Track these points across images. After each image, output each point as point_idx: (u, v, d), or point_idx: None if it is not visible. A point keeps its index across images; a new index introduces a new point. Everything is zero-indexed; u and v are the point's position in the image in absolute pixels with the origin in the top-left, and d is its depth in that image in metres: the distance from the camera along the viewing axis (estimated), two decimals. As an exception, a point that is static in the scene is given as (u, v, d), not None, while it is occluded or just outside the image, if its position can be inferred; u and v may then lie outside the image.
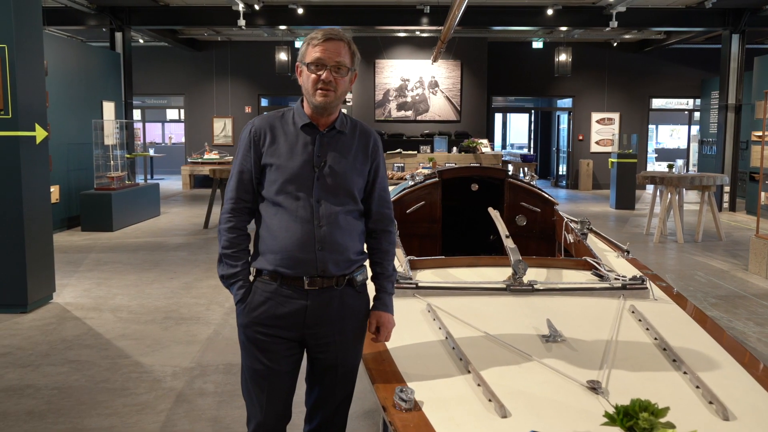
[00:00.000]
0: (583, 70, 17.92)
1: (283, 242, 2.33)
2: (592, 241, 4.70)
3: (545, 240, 5.33)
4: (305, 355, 2.50)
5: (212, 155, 17.76)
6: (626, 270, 3.87)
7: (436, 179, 5.34)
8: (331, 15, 13.71)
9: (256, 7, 13.03)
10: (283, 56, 15.47)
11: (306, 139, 2.37)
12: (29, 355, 4.78)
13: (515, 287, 3.29)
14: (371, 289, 2.55)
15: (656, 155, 23.07)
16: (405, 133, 16.60)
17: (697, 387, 2.19)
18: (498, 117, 22.52)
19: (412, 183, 5.48)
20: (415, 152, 14.34)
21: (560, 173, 19.63)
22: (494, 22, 13.98)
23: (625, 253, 4.38)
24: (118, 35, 13.37)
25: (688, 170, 19.05)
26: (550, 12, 13.13)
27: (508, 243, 3.65)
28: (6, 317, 5.67)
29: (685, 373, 2.32)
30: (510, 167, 16.44)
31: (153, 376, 4.39)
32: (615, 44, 17.62)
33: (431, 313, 2.98)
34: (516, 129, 25.23)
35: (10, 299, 5.77)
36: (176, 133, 24.03)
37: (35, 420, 3.75)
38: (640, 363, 2.43)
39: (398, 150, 14.39)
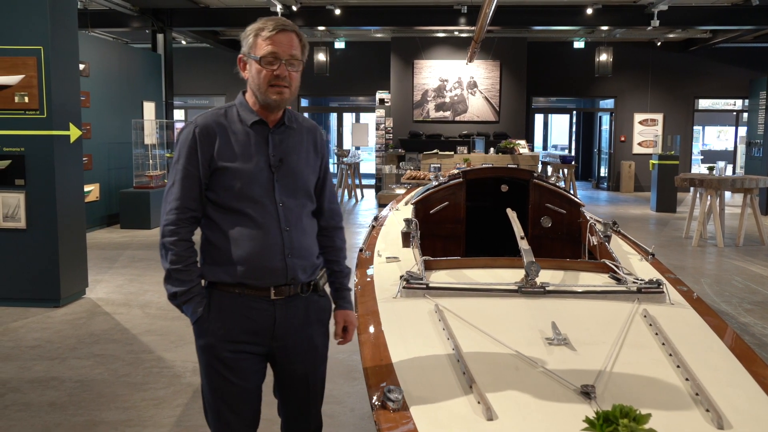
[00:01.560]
0: (626, 70, 17.59)
1: (247, 251, 2.15)
2: (617, 244, 4.61)
3: (571, 242, 5.26)
4: (270, 368, 2.38)
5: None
6: (647, 273, 3.78)
7: (460, 179, 5.31)
8: (369, 15, 13.75)
9: (294, 8, 13.14)
10: (321, 57, 15.57)
11: (258, 138, 2.20)
12: (57, 348, 4.91)
13: (526, 289, 3.24)
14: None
15: (702, 157, 22.53)
16: (443, 133, 16.54)
17: (697, 394, 2.13)
18: (539, 118, 22.27)
19: (436, 183, 5.46)
20: (452, 153, 14.26)
21: (601, 175, 19.32)
22: (533, 22, 13.83)
23: (650, 256, 4.28)
24: (160, 37, 13.63)
25: (734, 173, 18.55)
26: (589, 11, 12.93)
27: (523, 244, 3.61)
28: (39, 311, 5.83)
29: (687, 379, 2.26)
30: (549, 169, 16.25)
31: (173, 372, 4.46)
32: (659, 44, 17.25)
33: (438, 314, 2.96)
34: (558, 130, 24.92)
35: (44, 294, 5.93)
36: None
37: (56, 411, 3.84)
38: (642, 368, 2.37)
39: (435, 150, 14.32)
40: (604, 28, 14.36)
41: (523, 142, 14.45)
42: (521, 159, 13.83)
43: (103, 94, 10.59)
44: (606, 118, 19.03)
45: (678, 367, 2.37)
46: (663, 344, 2.60)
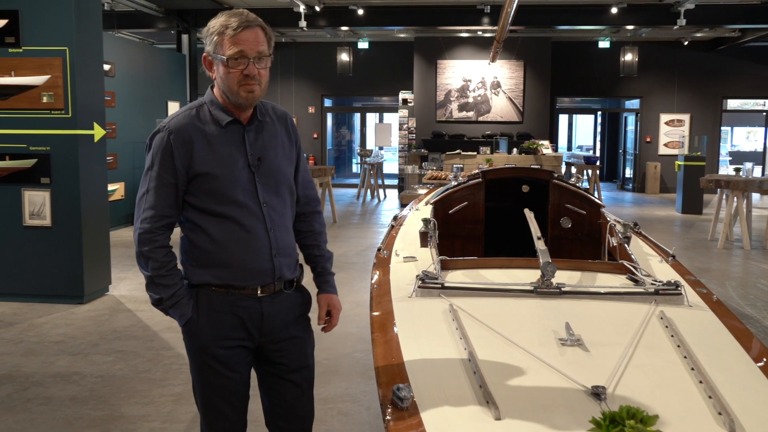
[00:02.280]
0: (652, 70, 17.40)
1: (234, 254, 2.15)
2: (637, 245, 4.56)
3: (591, 243, 5.22)
4: (260, 368, 2.40)
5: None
6: (666, 275, 3.74)
7: (480, 180, 5.30)
8: (392, 15, 13.77)
9: (317, 8, 13.20)
10: (344, 57, 15.61)
11: (233, 138, 2.17)
12: (80, 344, 4.99)
13: (542, 289, 3.23)
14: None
15: (730, 158, 22.20)
16: (466, 134, 16.50)
17: (710, 397, 2.11)
18: (563, 118, 22.11)
19: (455, 183, 5.45)
20: (475, 153, 14.22)
21: (627, 176, 19.13)
22: (557, 22, 13.75)
23: (670, 258, 4.23)
24: (185, 37, 13.77)
25: (764, 174, 18.26)
26: (614, 10, 12.82)
27: (539, 245, 3.59)
28: (64, 307, 5.93)
29: (701, 382, 2.23)
30: (573, 170, 16.13)
31: (192, 368, 4.50)
32: (686, 43, 17.04)
33: (452, 314, 2.96)
34: (583, 131, 24.73)
35: (68, 291, 6.03)
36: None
37: (77, 405, 3.90)
38: (655, 370, 2.35)
39: (457, 151, 14.30)
40: (630, 27, 14.23)
41: (546, 143, 14.38)
42: (544, 159, 13.76)
43: (128, 94, 10.72)
44: (631, 119, 18.84)
45: (692, 369, 2.34)
46: (678, 346, 2.57)
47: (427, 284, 3.26)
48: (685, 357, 2.46)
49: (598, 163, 16.06)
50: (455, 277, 3.57)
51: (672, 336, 2.69)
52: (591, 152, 21.27)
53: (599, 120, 21.57)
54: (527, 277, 3.55)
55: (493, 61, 15.01)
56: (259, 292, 2.22)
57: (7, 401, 3.97)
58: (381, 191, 16.42)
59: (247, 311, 2.22)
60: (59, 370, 4.46)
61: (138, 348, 4.91)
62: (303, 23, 12.93)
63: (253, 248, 2.17)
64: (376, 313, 2.91)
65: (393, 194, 16.77)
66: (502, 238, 5.66)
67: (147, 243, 2.13)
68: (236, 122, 2.19)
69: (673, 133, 17.70)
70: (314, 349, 2.50)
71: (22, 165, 5.91)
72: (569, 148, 22.13)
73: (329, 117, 20.10)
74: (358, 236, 10.08)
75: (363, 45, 17.08)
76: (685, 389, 2.19)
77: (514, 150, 14.33)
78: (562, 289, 3.23)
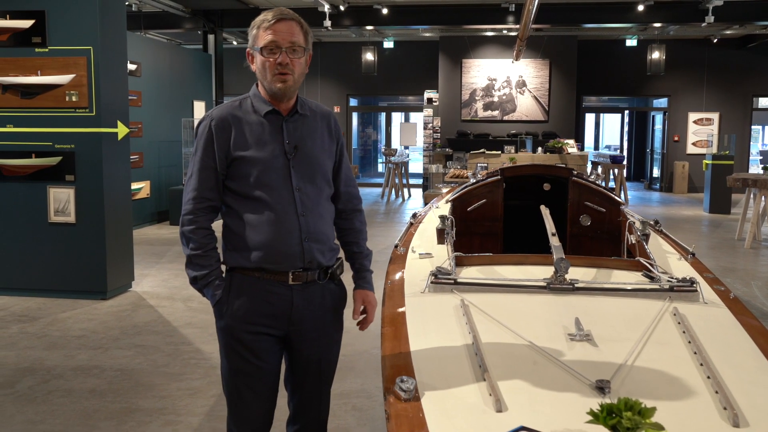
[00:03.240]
0: (680, 68, 17.16)
1: (266, 236, 2.22)
2: (657, 243, 4.51)
3: (611, 241, 5.17)
4: (285, 354, 2.43)
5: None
6: (684, 272, 3.69)
7: (498, 177, 5.28)
8: (416, 14, 13.75)
9: (341, 8, 13.23)
10: (369, 56, 15.64)
11: (272, 127, 2.26)
12: (101, 339, 5.07)
13: (555, 285, 3.21)
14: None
15: (761, 157, 21.81)
16: (491, 133, 16.42)
17: (717, 392, 2.08)
18: (590, 117, 21.89)
19: (474, 181, 5.44)
20: (499, 152, 14.14)
21: (654, 175, 18.90)
22: (583, 20, 13.62)
23: (689, 256, 4.18)
24: (210, 37, 13.90)
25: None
26: (641, 8, 12.66)
27: (554, 241, 3.57)
28: (87, 303, 6.03)
29: (708, 377, 2.21)
30: (599, 168, 15.98)
31: (210, 363, 4.55)
32: (715, 40, 16.77)
33: (463, 309, 2.96)
34: (611, 130, 24.47)
35: (92, 286, 6.13)
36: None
37: (95, 398, 3.97)
38: (663, 365, 2.33)
39: (482, 150, 14.24)
40: (657, 25, 14.05)
41: (571, 142, 14.25)
42: (569, 159, 13.64)
43: (154, 94, 10.86)
44: (659, 118, 18.60)
45: (701, 365, 2.32)
46: (689, 342, 2.54)
47: (440, 280, 3.26)
48: (695, 353, 2.43)
49: (624, 162, 15.89)
50: (469, 274, 3.55)
51: (684, 332, 2.65)
52: (618, 151, 21.03)
53: (627, 119, 21.32)
54: (542, 273, 3.53)
55: (516, 60, 14.94)
56: (290, 279, 2.26)
57: (29, 393, 4.05)
58: (406, 190, 16.43)
59: (277, 297, 2.26)
60: (80, 364, 4.54)
61: (158, 343, 4.97)
62: (327, 23, 12.98)
63: (282, 231, 2.23)
64: (388, 308, 2.92)
65: (418, 193, 16.77)
66: (523, 235, 5.63)
67: (189, 224, 2.25)
68: (276, 113, 2.28)
69: (701, 132, 17.44)
70: (340, 347, 2.53)
71: (47, 163, 6.02)
72: (596, 147, 21.91)
73: (354, 116, 20.15)
74: (380, 234, 10.09)
75: (388, 44, 17.08)
76: (692, 384, 2.16)
77: (539, 149, 14.23)
78: (576, 285, 3.20)
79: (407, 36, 17.50)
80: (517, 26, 13.80)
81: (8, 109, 6.07)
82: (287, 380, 2.49)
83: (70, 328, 5.33)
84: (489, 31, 16.22)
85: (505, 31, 16.16)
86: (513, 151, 14.40)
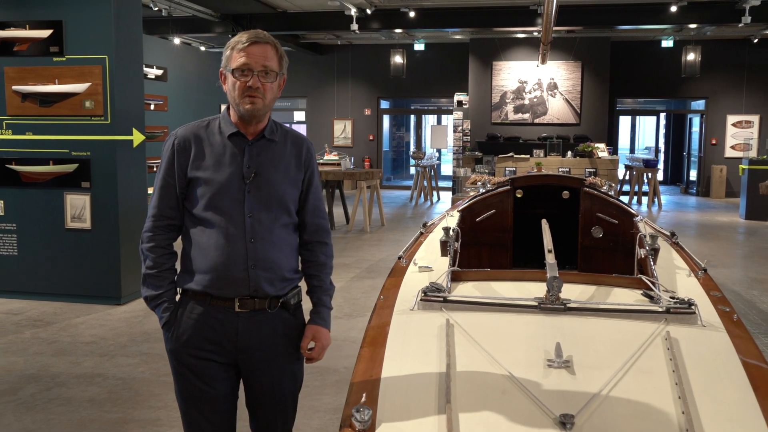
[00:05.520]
0: (718, 69, 16.71)
1: (212, 261, 2.18)
2: (669, 257, 4.37)
3: (625, 254, 5.04)
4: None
5: (332, 156, 18.20)
6: (689, 290, 3.56)
7: (508, 187, 5.19)
8: (444, 17, 13.67)
9: (368, 11, 13.21)
10: (398, 59, 15.59)
11: (234, 150, 2.22)
12: (109, 345, 5.12)
13: (546, 305, 3.12)
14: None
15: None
16: (522, 136, 16.22)
17: (687, 430, 1.99)
18: (625, 120, 21.47)
19: (483, 191, 5.37)
20: (528, 156, 13.97)
21: (691, 179, 18.47)
22: (616, 21, 13.38)
23: (700, 272, 4.03)
24: (240, 41, 13.99)
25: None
26: (674, 9, 12.36)
27: (549, 258, 3.47)
28: (101, 308, 6.11)
29: (683, 412, 2.11)
30: (631, 172, 15.67)
31: (211, 373, 4.55)
32: (755, 40, 16.28)
33: (446, 329, 2.89)
34: (649, 132, 24.00)
35: (106, 292, 6.21)
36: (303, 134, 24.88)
37: (93, 407, 4.00)
38: (639, 397, 2.23)
39: (510, 154, 14.08)
40: (693, 26, 13.71)
41: (602, 146, 14.00)
42: (600, 163, 13.42)
43: (180, 99, 10.98)
44: (696, 120, 18.17)
45: (679, 398, 2.22)
46: (673, 371, 2.44)
47: (429, 297, 3.20)
48: (676, 383, 2.33)
49: (658, 166, 15.54)
50: (464, 290, 3.48)
51: (671, 359, 2.55)
52: (653, 155, 20.61)
53: (663, 121, 20.88)
54: (538, 291, 3.44)
55: (542, 63, 14.69)
56: (237, 306, 2.21)
57: (30, 400, 4.11)
58: (435, 193, 16.34)
59: (221, 324, 2.23)
60: (84, 371, 4.59)
61: (163, 351, 4.95)
62: (354, 26, 12.97)
63: (229, 256, 2.19)
64: (372, 326, 2.87)
65: (447, 196, 16.66)
66: (537, 245, 5.53)
67: (147, 241, 2.26)
68: (240, 135, 2.25)
69: (740, 135, 16.98)
70: (300, 377, 2.45)
71: (64, 170, 6.12)
72: (632, 150, 21.48)
73: (385, 119, 20.12)
74: (402, 239, 10.04)
75: (419, 46, 17.00)
76: (662, 421, 2.07)
77: (569, 153, 14.01)
78: (568, 305, 3.11)
79: (438, 38, 17.40)
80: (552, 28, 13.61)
81: (27, 117, 6.18)
82: (247, 404, 2.43)
83: (81, 333, 5.40)
84: (519, 33, 16.05)
85: (535, 33, 15.96)
86: (542, 154, 14.21)
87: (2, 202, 6.33)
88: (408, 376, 2.44)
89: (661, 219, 13.16)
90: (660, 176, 18.93)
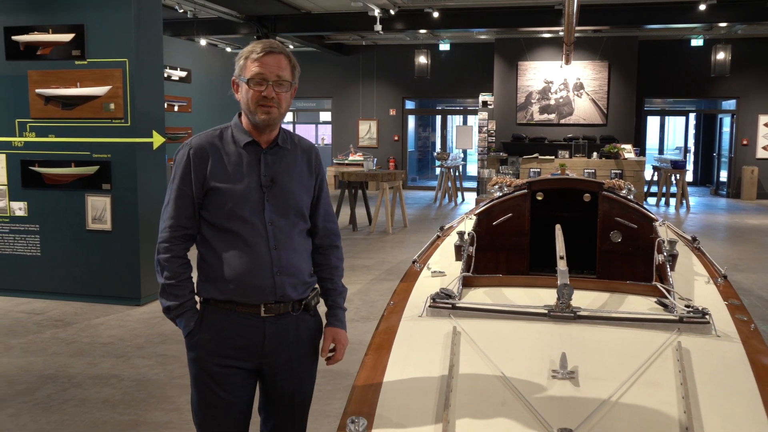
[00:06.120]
0: (750, 68, 16.38)
1: (237, 269, 2.21)
2: (688, 263, 4.29)
3: (644, 259, 4.96)
4: (258, 384, 2.42)
5: (357, 157, 18.23)
6: (706, 298, 3.48)
7: (525, 191, 5.14)
8: (468, 17, 13.59)
9: (392, 12, 13.19)
10: (422, 59, 15.56)
11: (250, 158, 2.25)
12: (126, 346, 5.17)
13: (556, 313, 3.07)
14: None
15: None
16: (547, 136, 16.08)
17: (689, 446, 1.94)
18: (654, 120, 21.14)
19: (500, 194, 5.32)
20: (553, 157, 13.84)
21: (721, 180, 18.14)
22: (643, 20, 13.21)
23: (719, 279, 3.94)
24: (264, 42, 14.07)
25: None
26: (703, 7, 12.15)
27: (560, 265, 3.42)
28: (121, 308, 6.17)
29: (687, 429, 2.05)
30: (660, 173, 15.43)
31: (225, 376, 4.57)
32: (789, 39, 15.97)
33: (453, 337, 2.86)
34: (679, 132, 23.62)
35: (126, 292, 6.27)
36: (328, 135, 24.94)
37: (107, 409, 4.04)
38: (642, 410, 2.18)
39: (535, 155, 13.95)
40: (722, 24, 13.46)
41: (628, 147, 13.81)
42: (626, 164, 13.24)
43: (205, 100, 11.07)
44: (727, 120, 17.84)
45: (684, 412, 2.16)
46: (681, 384, 2.38)
47: (437, 304, 3.17)
48: (683, 397, 2.28)
49: (687, 167, 15.28)
50: (475, 296, 3.44)
51: (680, 371, 2.49)
52: (681, 155, 20.28)
53: (692, 121, 20.54)
54: (549, 298, 3.39)
55: (567, 64, 14.53)
56: (262, 311, 2.25)
57: (46, 401, 4.16)
58: (460, 194, 16.27)
59: (248, 330, 2.26)
60: (101, 372, 4.63)
61: (179, 353, 5.03)
62: (378, 27, 12.96)
63: (253, 264, 2.22)
64: (379, 332, 2.85)
65: (473, 197, 16.57)
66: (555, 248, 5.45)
67: (164, 252, 2.26)
68: (255, 144, 2.27)
69: (773, 135, 16.64)
70: (314, 379, 2.50)
71: (85, 172, 6.19)
72: (660, 151, 21.16)
73: (411, 119, 20.09)
74: (424, 240, 9.95)
75: (444, 47, 16.93)
76: (664, 437, 2.02)
77: (595, 154, 13.84)
78: (578, 313, 3.06)
79: (463, 38, 17.32)
80: (577, 28, 13.46)
81: (50, 119, 6.26)
82: (261, 408, 2.47)
83: (100, 334, 5.46)
84: (545, 32, 15.90)
85: (561, 33, 15.79)
86: (567, 155, 14.07)
87: (26, 203, 6.43)
88: (408, 386, 2.42)
89: (688, 221, 12.94)
90: (689, 177, 18.62)
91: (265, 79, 2.19)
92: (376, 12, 12.69)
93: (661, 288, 3.53)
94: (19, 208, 6.46)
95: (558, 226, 4.11)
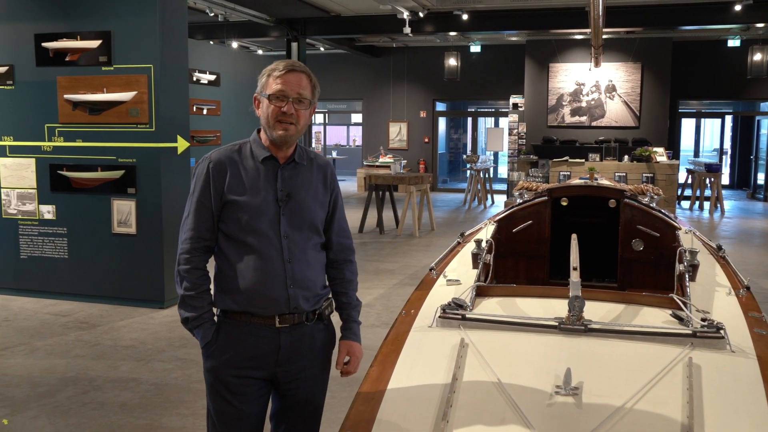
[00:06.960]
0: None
1: (252, 281, 2.27)
2: (711, 273, 4.19)
3: (666, 268, 4.86)
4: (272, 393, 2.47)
5: (387, 159, 18.22)
6: (724, 311, 3.40)
7: (545, 198, 5.08)
8: (498, 20, 13.49)
9: (421, 14, 13.15)
10: (452, 61, 15.49)
11: (267, 173, 2.31)
12: (147, 350, 5.24)
13: (566, 326, 3.02)
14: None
15: None
16: (578, 139, 15.88)
17: (688, 470, 1.89)
18: (689, 122, 20.74)
19: (520, 201, 5.27)
20: (583, 160, 13.66)
21: (758, 183, 17.73)
22: (676, 21, 12.95)
23: (742, 290, 3.84)
24: (294, 45, 14.16)
25: None
26: (738, 8, 11.88)
27: (573, 276, 3.36)
28: (145, 311, 6.26)
29: (689, 451, 2.01)
30: (694, 177, 15.14)
31: (242, 381, 4.60)
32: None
33: (460, 349, 2.84)
34: (715, 135, 23.15)
35: (150, 295, 6.36)
36: (359, 137, 25.00)
37: (124, 412, 4.10)
38: (642, 430, 2.14)
39: (565, 158, 13.79)
40: (760, 25, 13.15)
41: (660, 150, 13.57)
42: (658, 168, 13.01)
43: (234, 103, 11.17)
44: (765, 122, 17.43)
45: (687, 433, 2.11)
46: (687, 402, 2.33)
47: (447, 315, 3.14)
48: (688, 417, 2.23)
49: (721, 170, 14.96)
50: (487, 306, 3.41)
51: (688, 389, 2.43)
52: (717, 157, 19.87)
53: (729, 124, 20.11)
54: (562, 309, 3.34)
55: (596, 66, 14.32)
56: (277, 322, 2.31)
57: (65, 404, 4.23)
58: (489, 197, 16.16)
59: (263, 341, 2.32)
60: (120, 375, 4.70)
61: (198, 357, 5.02)
62: (407, 29, 12.94)
63: (268, 276, 2.28)
64: (387, 342, 2.84)
65: (503, 200, 16.45)
66: (584, 256, 5.38)
67: (185, 263, 2.32)
68: (273, 159, 2.34)
69: (812, 138, 16.20)
70: (326, 388, 2.56)
71: (111, 176, 6.30)
72: (696, 154, 20.77)
73: (441, 121, 20.02)
74: (449, 245, 9.94)
75: (475, 48, 16.84)
76: (664, 460, 1.97)
77: (626, 157, 13.63)
78: (589, 326, 3.01)
79: (494, 40, 17.20)
80: (609, 29, 13.28)
81: (77, 124, 6.38)
82: (272, 416, 2.52)
83: (123, 337, 5.54)
84: (576, 34, 15.71)
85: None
86: (598, 159, 13.88)
87: (54, 206, 6.56)
88: (409, 399, 2.41)
89: (722, 225, 12.67)
90: (725, 180, 18.24)
91: (286, 96, 2.26)
92: (405, 15, 12.66)
93: (678, 300, 3.45)
94: (47, 211, 6.59)
95: (574, 236, 4.05)
